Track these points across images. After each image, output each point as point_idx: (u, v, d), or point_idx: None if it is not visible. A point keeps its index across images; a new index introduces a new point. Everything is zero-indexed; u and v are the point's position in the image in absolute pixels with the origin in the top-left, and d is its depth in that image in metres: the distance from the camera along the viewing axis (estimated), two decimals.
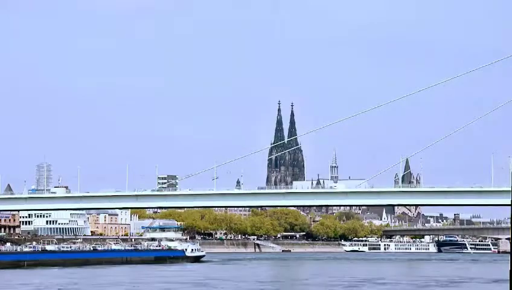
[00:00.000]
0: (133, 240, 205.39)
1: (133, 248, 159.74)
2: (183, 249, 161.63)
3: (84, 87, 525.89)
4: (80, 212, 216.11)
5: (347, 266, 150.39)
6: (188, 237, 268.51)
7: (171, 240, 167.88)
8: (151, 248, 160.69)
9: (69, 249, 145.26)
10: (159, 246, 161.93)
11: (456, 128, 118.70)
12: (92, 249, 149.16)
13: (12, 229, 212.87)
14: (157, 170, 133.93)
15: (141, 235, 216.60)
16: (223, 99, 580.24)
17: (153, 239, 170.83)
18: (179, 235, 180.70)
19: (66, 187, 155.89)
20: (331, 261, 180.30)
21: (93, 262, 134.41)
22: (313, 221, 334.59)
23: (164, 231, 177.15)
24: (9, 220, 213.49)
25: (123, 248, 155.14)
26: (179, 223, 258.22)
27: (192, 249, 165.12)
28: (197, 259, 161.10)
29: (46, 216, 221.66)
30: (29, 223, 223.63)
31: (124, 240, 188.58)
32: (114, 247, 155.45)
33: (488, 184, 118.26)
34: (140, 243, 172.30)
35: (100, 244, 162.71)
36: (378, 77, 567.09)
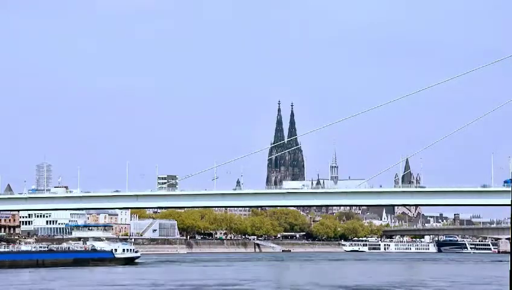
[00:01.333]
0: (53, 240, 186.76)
1: (47, 248, 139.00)
2: (111, 250, 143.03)
3: (84, 87, 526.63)
4: (80, 212, 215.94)
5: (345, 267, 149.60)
6: (188, 237, 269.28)
7: (100, 239, 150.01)
8: (72, 248, 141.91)
9: None
10: (83, 246, 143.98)
11: (456, 128, 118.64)
12: None
13: (12, 229, 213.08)
14: (157, 170, 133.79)
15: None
16: (222, 99, 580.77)
17: (79, 239, 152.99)
18: (108, 234, 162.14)
19: (66, 187, 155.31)
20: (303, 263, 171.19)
21: None
22: (313, 221, 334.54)
23: (91, 229, 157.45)
24: (9, 220, 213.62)
25: (33, 249, 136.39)
26: (178, 223, 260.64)
27: (123, 250, 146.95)
28: (129, 261, 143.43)
29: (46, 216, 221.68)
30: (29, 223, 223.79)
31: (37, 240, 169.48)
32: (23, 248, 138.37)
33: (488, 184, 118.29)
34: (63, 243, 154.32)
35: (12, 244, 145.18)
36: (378, 77, 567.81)
